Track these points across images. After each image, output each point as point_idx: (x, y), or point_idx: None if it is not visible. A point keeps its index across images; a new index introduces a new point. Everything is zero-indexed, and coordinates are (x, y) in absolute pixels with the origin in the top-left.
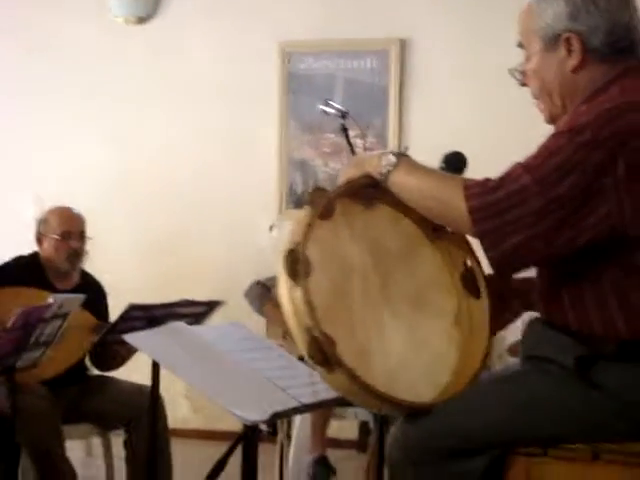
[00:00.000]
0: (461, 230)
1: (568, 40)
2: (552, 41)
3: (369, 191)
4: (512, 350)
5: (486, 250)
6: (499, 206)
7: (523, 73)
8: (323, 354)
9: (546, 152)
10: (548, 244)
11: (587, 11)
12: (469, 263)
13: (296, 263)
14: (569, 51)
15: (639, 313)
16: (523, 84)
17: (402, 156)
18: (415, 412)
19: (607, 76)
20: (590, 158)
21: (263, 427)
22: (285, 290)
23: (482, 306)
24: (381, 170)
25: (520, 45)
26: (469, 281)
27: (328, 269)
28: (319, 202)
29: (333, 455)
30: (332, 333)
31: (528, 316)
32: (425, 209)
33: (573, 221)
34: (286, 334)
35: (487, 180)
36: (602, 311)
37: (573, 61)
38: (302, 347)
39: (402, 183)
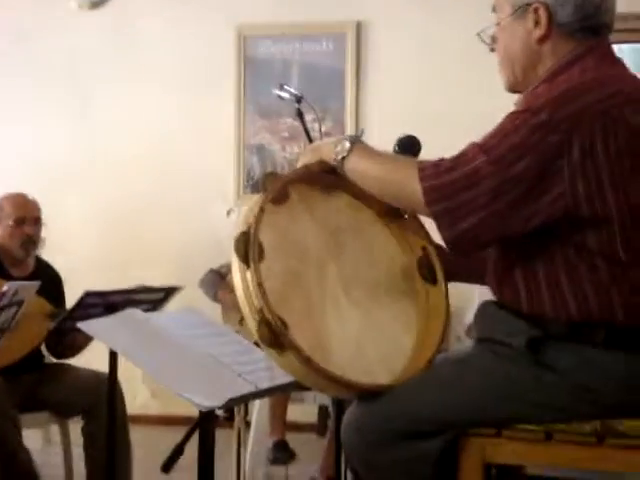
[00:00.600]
0: (417, 211)
1: (536, 10)
2: (521, 10)
3: (328, 177)
4: (470, 332)
5: (441, 231)
6: (454, 187)
7: (493, 38)
8: (274, 335)
9: (502, 132)
10: (502, 224)
11: None
12: (426, 249)
13: (248, 246)
14: (536, 22)
15: (589, 295)
16: (492, 49)
17: (356, 142)
18: (368, 394)
19: (570, 54)
20: (546, 140)
21: (219, 413)
22: (237, 272)
23: (439, 291)
24: (336, 156)
25: (494, 9)
26: (426, 267)
27: (282, 254)
28: (272, 187)
29: (293, 439)
30: (286, 317)
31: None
32: (381, 193)
33: (527, 202)
34: (242, 320)
35: (441, 161)
36: (554, 292)
37: (539, 32)
38: (253, 329)
39: (357, 168)
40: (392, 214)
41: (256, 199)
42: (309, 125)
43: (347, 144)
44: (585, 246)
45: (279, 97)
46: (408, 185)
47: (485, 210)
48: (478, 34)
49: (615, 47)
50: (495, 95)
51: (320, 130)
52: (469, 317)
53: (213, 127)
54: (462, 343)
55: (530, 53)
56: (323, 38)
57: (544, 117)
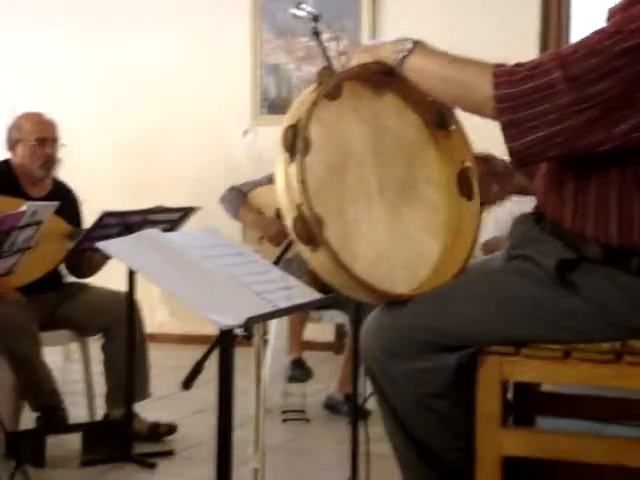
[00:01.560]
0: (484, 115)
1: None
2: None
3: (381, 78)
4: (486, 248)
5: (507, 141)
6: (527, 98)
7: None
8: (309, 232)
9: (586, 49)
10: (570, 144)
11: None
12: (467, 164)
13: (295, 139)
14: None
15: (635, 223)
16: None
17: (419, 42)
18: (391, 302)
19: None
20: (632, 66)
21: (238, 331)
22: (281, 165)
23: (473, 209)
24: (397, 55)
25: None
26: (464, 182)
27: (327, 150)
28: (327, 81)
29: (310, 357)
30: (321, 213)
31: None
32: (444, 93)
33: (600, 126)
34: (262, 238)
35: (517, 67)
36: (600, 213)
37: None
38: (289, 223)
39: (420, 67)
40: (439, 124)
41: (308, 92)
42: (325, 44)
43: (409, 44)
44: None
45: (295, 16)
46: (479, 89)
47: (555, 126)
48: None
49: None
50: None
51: (337, 50)
52: (484, 235)
53: (228, 46)
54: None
55: None
56: None
57: (634, 42)
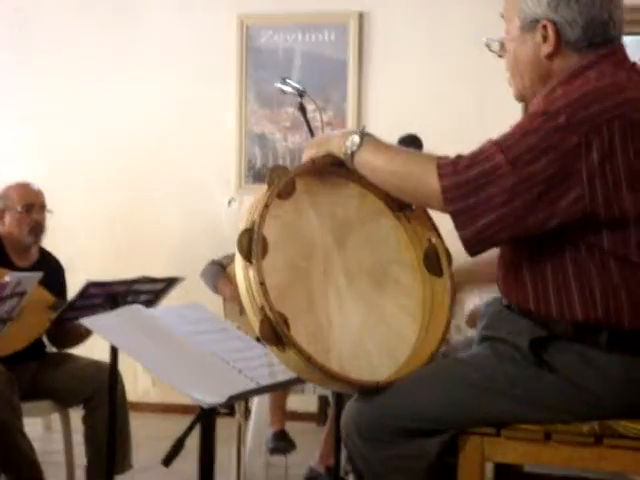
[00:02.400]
0: (432, 207)
1: (545, 27)
2: (530, 24)
3: (334, 169)
4: (471, 318)
5: (459, 229)
6: (472, 185)
7: (502, 45)
8: (275, 334)
9: (520, 132)
10: (519, 224)
11: (567, 4)
12: (433, 241)
13: (251, 243)
14: (544, 38)
15: (597, 297)
16: (500, 56)
17: (366, 135)
18: (370, 390)
19: (582, 62)
20: (564, 142)
21: (221, 409)
22: (240, 269)
23: (444, 284)
24: (346, 150)
25: (502, 16)
26: (432, 259)
27: (287, 248)
28: (278, 181)
29: (293, 428)
30: (287, 312)
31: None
32: (392, 187)
33: (545, 203)
34: (243, 311)
35: (459, 158)
36: (561, 293)
37: (547, 48)
38: (255, 326)
39: (368, 162)
40: (400, 205)
41: (261, 194)
42: (310, 115)
43: (357, 138)
44: (598, 247)
45: (281, 91)
46: (425, 182)
47: (502, 209)
48: (486, 44)
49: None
50: (498, 85)
51: (321, 120)
52: (469, 306)
53: (215, 116)
54: (462, 333)
55: (539, 67)
56: (325, 28)
57: (562, 120)
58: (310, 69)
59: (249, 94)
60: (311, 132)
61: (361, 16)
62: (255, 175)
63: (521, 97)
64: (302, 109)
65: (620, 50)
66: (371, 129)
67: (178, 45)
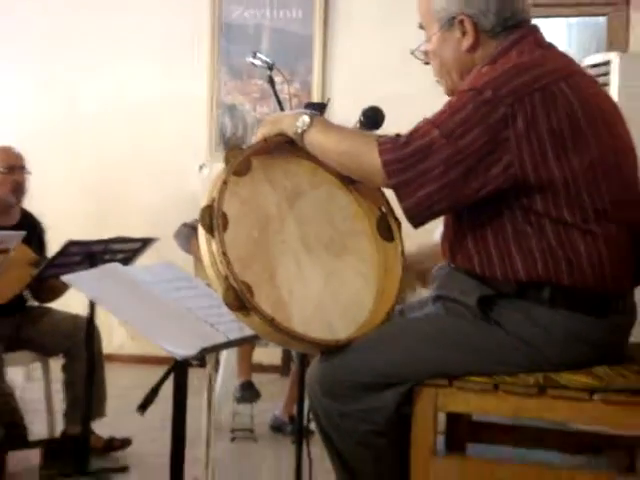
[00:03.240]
0: (375, 183)
1: (462, 22)
2: (448, 23)
3: (287, 146)
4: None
5: (400, 200)
6: (411, 159)
7: (425, 53)
8: (239, 301)
9: (452, 109)
10: (456, 194)
11: None
12: (383, 210)
13: (212, 218)
14: (463, 32)
15: (536, 257)
16: (426, 63)
17: (315, 116)
18: (331, 349)
19: (503, 44)
20: (492, 114)
21: (193, 361)
22: (204, 243)
23: (395, 249)
24: (296, 130)
25: (421, 27)
26: (383, 226)
27: (246, 221)
28: (234, 160)
29: (258, 379)
30: (250, 280)
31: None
32: (340, 165)
33: (478, 172)
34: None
35: (398, 136)
36: (503, 255)
37: (467, 41)
38: (220, 294)
39: (317, 141)
40: (351, 178)
41: (219, 173)
42: (278, 87)
43: (307, 118)
44: (532, 210)
45: (252, 64)
46: (368, 159)
47: (439, 180)
48: (412, 52)
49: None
50: None
51: (289, 92)
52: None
53: (187, 87)
54: (417, 291)
55: (462, 60)
56: (293, 6)
57: (489, 94)
58: (278, 44)
59: (221, 66)
60: (279, 103)
61: None
62: (225, 143)
63: (452, 92)
64: (271, 81)
65: (535, 30)
66: (335, 101)
67: (152, 18)
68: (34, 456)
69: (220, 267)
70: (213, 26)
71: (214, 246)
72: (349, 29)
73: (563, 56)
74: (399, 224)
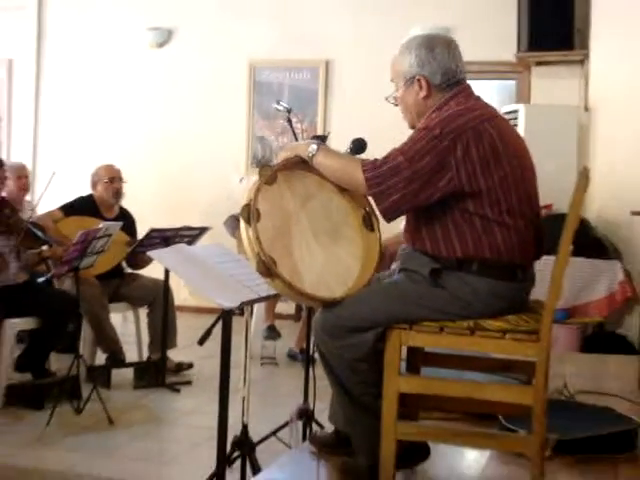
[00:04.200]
0: (361, 192)
1: (419, 80)
2: (410, 81)
3: (301, 165)
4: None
5: (377, 205)
6: (384, 176)
7: (395, 99)
8: (267, 270)
9: (412, 141)
10: (415, 199)
11: (429, 63)
12: (367, 209)
13: (249, 213)
14: (420, 87)
15: (468, 241)
16: (395, 105)
17: (320, 145)
18: (330, 304)
19: (446, 96)
20: (439, 145)
21: (236, 310)
22: (243, 230)
23: (375, 237)
24: (308, 154)
25: (392, 80)
26: (367, 221)
27: (273, 215)
28: (265, 174)
29: (278, 324)
30: (275, 256)
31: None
32: (337, 179)
33: (430, 184)
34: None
35: (375, 160)
36: (446, 240)
37: (422, 93)
38: (254, 266)
39: (321, 163)
40: (346, 189)
41: (254, 182)
42: (294, 124)
43: (315, 146)
44: (466, 210)
45: (276, 109)
46: (355, 176)
47: (403, 191)
48: (386, 98)
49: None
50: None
51: (301, 128)
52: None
53: (232, 125)
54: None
55: (420, 105)
56: (304, 69)
57: (437, 131)
58: (294, 95)
59: (254, 111)
60: (295, 136)
61: (327, 62)
62: (257, 163)
63: (413, 126)
64: (289, 121)
65: (468, 87)
66: (332, 134)
67: (211, 80)
68: (129, 373)
69: (254, 246)
70: (250, 84)
71: (250, 232)
72: (342, 86)
73: (486, 105)
74: (377, 220)
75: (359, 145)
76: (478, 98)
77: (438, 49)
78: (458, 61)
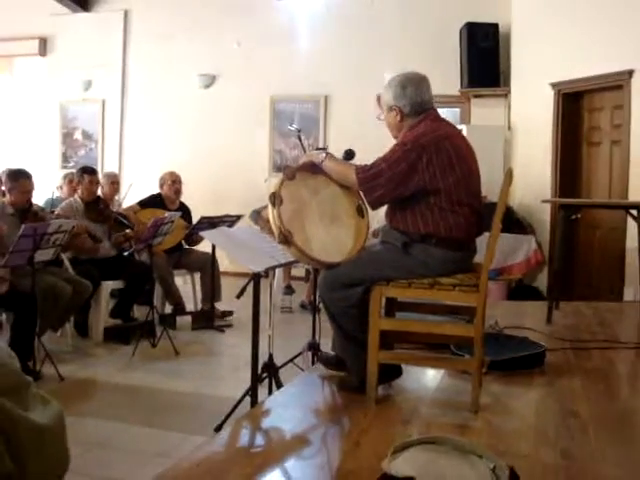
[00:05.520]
0: (355, 188)
1: (394, 109)
2: (389, 108)
3: (314, 168)
4: (374, 234)
5: (366, 198)
6: (371, 178)
7: (381, 117)
8: (286, 239)
9: (392, 152)
10: (393, 194)
11: (401, 96)
12: (359, 202)
13: (275, 198)
14: (396, 113)
15: (429, 223)
16: (379, 119)
17: (328, 154)
18: (331, 266)
19: (416, 120)
20: (410, 155)
21: (262, 273)
22: (270, 211)
23: (365, 221)
24: (318, 160)
25: (378, 101)
26: (360, 210)
27: (291, 202)
28: (287, 172)
29: (293, 284)
30: (292, 230)
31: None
32: (338, 178)
33: (404, 183)
34: (269, 233)
35: (365, 165)
36: (415, 221)
37: (398, 118)
38: (276, 237)
39: (328, 166)
40: (345, 186)
41: (280, 177)
42: (303, 141)
43: (324, 155)
44: (429, 202)
45: (289, 129)
46: (351, 177)
47: (385, 188)
48: (377, 117)
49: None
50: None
51: (308, 143)
52: (374, 227)
53: (259, 142)
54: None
55: (397, 126)
56: (310, 102)
57: (409, 146)
58: (302, 120)
59: (274, 131)
60: (303, 148)
61: (326, 97)
62: (278, 168)
63: (395, 137)
64: (299, 138)
65: (434, 112)
66: (330, 147)
67: (243, 109)
68: (188, 319)
69: (277, 222)
70: (271, 112)
71: (275, 212)
72: (337, 113)
73: (448, 125)
74: (367, 209)
75: (350, 154)
76: (442, 120)
77: (409, 88)
78: (424, 95)
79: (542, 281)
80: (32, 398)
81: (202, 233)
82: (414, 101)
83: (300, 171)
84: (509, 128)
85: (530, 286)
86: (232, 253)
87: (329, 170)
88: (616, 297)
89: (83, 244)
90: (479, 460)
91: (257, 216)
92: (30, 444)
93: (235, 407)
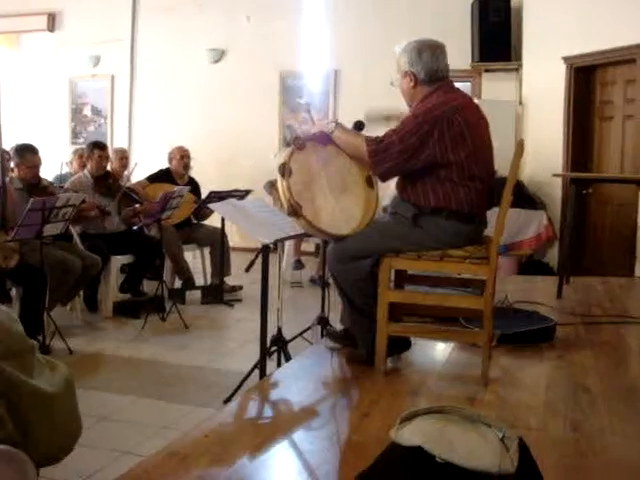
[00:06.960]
0: (364, 160)
1: (408, 74)
2: (404, 73)
3: (324, 139)
4: (384, 210)
5: (374, 170)
6: (381, 150)
7: (396, 82)
8: (295, 211)
9: (402, 125)
10: (403, 167)
11: (417, 62)
12: (369, 173)
13: (284, 169)
14: (410, 79)
15: (440, 196)
16: (392, 84)
17: (338, 124)
18: (339, 238)
19: (430, 90)
20: (422, 129)
21: (271, 246)
22: (279, 182)
23: (374, 192)
24: (328, 130)
25: (396, 72)
26: (369, 180)
27: (301, 174)
28: (297, 143)
29: (303, 258)
30: (301, 202)
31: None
32: (348, 150)
33: (414, 156)
34: (281, 205)
35: (376, 138)
36: (425, 194)
37: (411, 84)
38: (286, 209)
39: (338, 137)
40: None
41: (289, 148)
42: (312, 115)
43: (333, 125)
44: (440, 175)
45: (299, 103)
46: (361, 149)
47: (396, 160)
48: (391, 83)
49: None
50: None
51: (317, 116)
52: (385, 202)
53: (268, 117)
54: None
55: (410, 93)
56: (319, 77)
57: (420, 118)
58: (311, 95)
59: (284, 106)
60: (312, 121)
61: (336, 71)
62: (286, 144)
63: (409, 105)
64: (308, 112)
65: (448, 82)
66: (340, 118)
67: (255, 86)
68: (197, 293)
69: (287, 194)
70: (280, 87)
71: (284, 184)
72: (345, 87)
73: (463, 96)
74: (376, 180)
75: (360, 125)
76: (457, 90)
77: (425, 53)
78: (440, 63)
79: (553, 257)
80: (37, 363)
81: (211, 205)
82: (429, 67)
83: (310, 141)
84: (520, 103)
85: (540, 262)
86: (241, 224)
87: (339, 140)
88: (627, 272)
89: (89, 213)
90: (488, 429)
91: (271, 187)
92: (34, 410)
93: (244, 380)
